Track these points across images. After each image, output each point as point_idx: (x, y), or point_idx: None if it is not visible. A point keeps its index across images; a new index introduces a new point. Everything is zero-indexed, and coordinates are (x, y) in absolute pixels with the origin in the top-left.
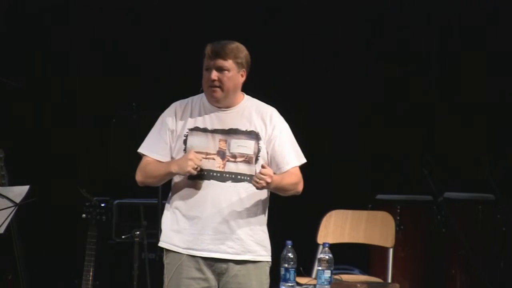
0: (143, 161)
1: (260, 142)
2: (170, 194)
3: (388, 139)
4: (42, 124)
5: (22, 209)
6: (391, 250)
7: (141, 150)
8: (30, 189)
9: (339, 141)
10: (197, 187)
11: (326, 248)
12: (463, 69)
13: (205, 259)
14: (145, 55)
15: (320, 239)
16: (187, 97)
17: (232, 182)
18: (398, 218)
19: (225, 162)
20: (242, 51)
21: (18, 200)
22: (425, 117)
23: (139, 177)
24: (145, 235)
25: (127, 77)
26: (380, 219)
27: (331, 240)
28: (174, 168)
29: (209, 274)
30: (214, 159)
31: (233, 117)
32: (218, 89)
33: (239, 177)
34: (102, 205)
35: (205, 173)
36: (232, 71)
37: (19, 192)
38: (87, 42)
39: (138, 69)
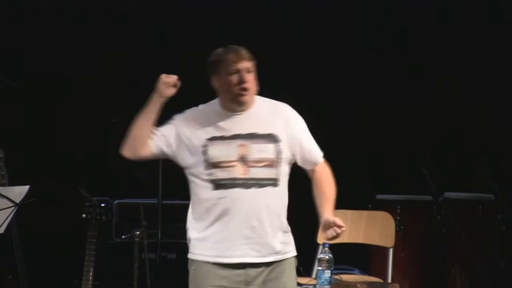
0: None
1: (281, 144)
2: (191, 204)
3: (388, 139)
4: (42, 124)
5: (22, 209)
6: (391, 250)
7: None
8: (30, 189)
9: (339, 141)
10: (222, 197)
11: (326, 248)
12: (463, 69)
13: (233, 266)
14: (145, 55)
15: (320, 239)
16: (187, 97)
17: (257, 188)
18: (398, 218)
19: (248, 168)
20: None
21: (18, 200)
22: (425, 117)
23: (125, 147)
24: (145, 235)
25: (127, 77)
26: (380, 219)
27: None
28: (153, 95)
29: (234, 284)
30: (236, 166)
31: (249, 120)
32: (249, 91)
33: (263, 182)
34: (102, 205)
35: (230, 182)
36: (254, 73)
37: (19, 192)
38: (87, 42)
39: (138, 69)
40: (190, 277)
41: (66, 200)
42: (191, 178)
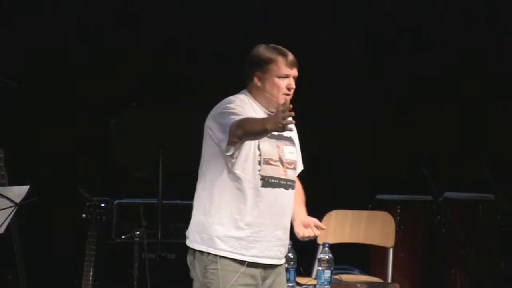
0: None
1: (297, 147)
2: (219, 198)
3: (389, 139)
4: (42, 124)
5: (22, 209)
6: (391, 250)
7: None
8: (30, 189)
9: (339, 141)
10: (270, 195)
11: (326, 248)
12: (464, 68)
13: (263, 266)
14: (145, 55)
15: (320, 239)
16: (187, 96)
17: (291, 190)
18: (398, 218)
19: (285, 169)
20: None
21: (18, 200)
22: (425, 116)
23: (239, 131)
24: (145, 235)
25: (127, 77)
26: (380, 219)
27: (331, 240)
28: (269, 126)
29: (259, 280)
30: (279, 166)
31: None
32: (289, 97)
33: (293, 184)
34: (102, 205)
35: (276, 181)
36: None
37: (19, 192)
38: (87, 41)
39: (138, 69)
40: (210, 275)
41: (66, 200)
42: (236, 171)
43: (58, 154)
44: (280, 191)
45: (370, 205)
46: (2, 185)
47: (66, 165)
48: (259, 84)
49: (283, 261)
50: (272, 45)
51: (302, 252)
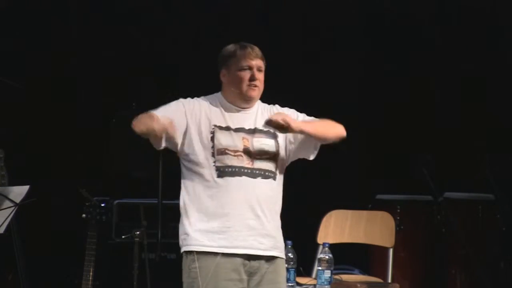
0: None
1: (279, 139)
2: (187, 196)
3: (388, 139)
4: (42, 124)
5: (22, 209)
6: (391, 250)
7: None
8: (30, 189)
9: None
10: (229, 184)
11: (326, 248)
12: (463, 68)
13: (240, 256)
14: (145, 55)
15: (320, 239)
16: (187, 96)
17: (262, 178)
18: (398, 218)
19: (253, 159)
20: None
21: (18, 200)
22: (425, 116)
23: (135, 123)
24: (145, 235)
25: (127, 77)
26: (380, 219)
27: (331, 240)
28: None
29: (243, 275)
30: (242, 156)
31: (252, 118)
32: (257, 88)
33: (267, 173)
34: (102, 205)
35: (236, 169)
36: (264, 73)
37: (19, 192)
38: (87, 42)
39: (138, 69)
40: (193, 274)
41: (66, 200)
42: (191, 167)
43: (58, 154)
44: (244, 179)
45: (370, 205)
46: (2, 185)
47: (66, 165)
48: (225, 80)
49: (269, 252)
50: (237, 43)
51: (302, 252)
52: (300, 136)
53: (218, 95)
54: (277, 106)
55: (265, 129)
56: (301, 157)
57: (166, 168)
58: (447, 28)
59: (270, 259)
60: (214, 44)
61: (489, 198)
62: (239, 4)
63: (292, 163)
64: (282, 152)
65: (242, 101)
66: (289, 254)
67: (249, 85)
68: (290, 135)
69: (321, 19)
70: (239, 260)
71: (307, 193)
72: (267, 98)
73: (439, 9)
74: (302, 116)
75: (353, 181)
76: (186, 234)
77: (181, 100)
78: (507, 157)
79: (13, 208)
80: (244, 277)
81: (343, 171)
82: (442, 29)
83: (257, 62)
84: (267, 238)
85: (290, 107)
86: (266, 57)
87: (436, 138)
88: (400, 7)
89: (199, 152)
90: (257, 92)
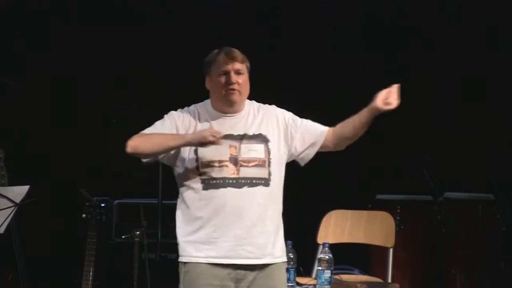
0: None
1: (269, 144)
2: (180, 207)
3: (388, 139)
4: (42, 124)
5: (22, 209)
6: (391, 250)
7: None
8: (30, 189)
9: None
10: (214, 196)
11: (326, 248)
12: (463, 68)
13: (225, 266)
14: (145, 55)
15: (320, 239)
16: (187, 96)
17: (248, 187)
18: (398, 218)
19: (239, 167)
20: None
21: (18, 200)
22: (425, 116)
23: (133, 141)
24: (145, 235)
25: (127, 77)
26: (380, 219)
27: (331, 240)
28: (189, 137)
29: (227, 281)
30: (227, 166)
31: (240, 123)
32: (237, 92)
33: (254, 181)
34: (102, 205)
35: (221, 181)
36: (246, 75)
37: (19, 192)
38: (87, 42)
39: (139, 69)
40: (182, 280)
41: (66, 200)
42: (180, 180)
43: (58, 154)
44: (228, 190)
45: (370, 205)
46: (2, 185)
47: (66, 165)
48: (209, 87)
49: (260, 261)
50: (220, 48)
51: (302, 252)
52: (304, 133)
53: (207, 102)
54: (276, 110)
55: (256, 133)
56: (314, 144)
57: (166, 168)
58: (447, 28)
59: (262, 266)
60: (214, 44)
61: (489, 198)
62: (239, 4)
63: (293, 163)
64: (275, 156)
65: (226, 106)
66: (289, 254)
67: (227, 90)
68: (295, 134)
69: (321, 19)
70: (223, 268)
71: (307, 193)
72: (267, 98)
73: (439, 9)
74: (300, 121)
75: (353, 181)
76: (178, 244)
77: (173, 113)
78: (507, 156)
79: (13, 208)
80: (230, 283)
81: (343, 171)
82: (442, 29)
83: (235, 66)
84: (256, 246)
85: (290, 107)
86: (266, 57)
87: (436, 138)
88: (400, 7)
89: (185, 165)
90: (238, 95)
